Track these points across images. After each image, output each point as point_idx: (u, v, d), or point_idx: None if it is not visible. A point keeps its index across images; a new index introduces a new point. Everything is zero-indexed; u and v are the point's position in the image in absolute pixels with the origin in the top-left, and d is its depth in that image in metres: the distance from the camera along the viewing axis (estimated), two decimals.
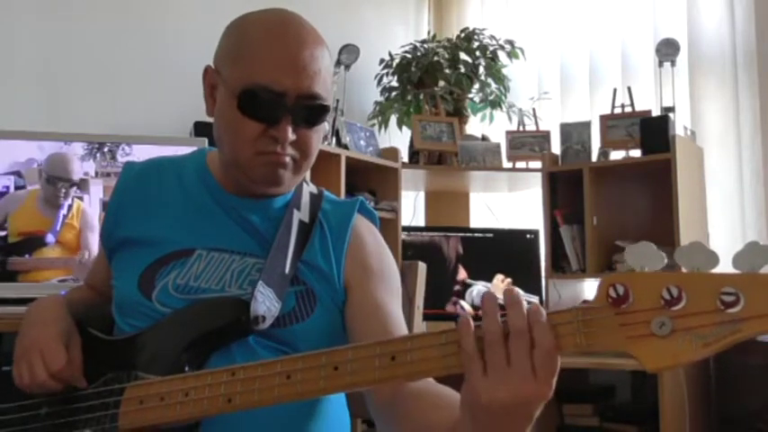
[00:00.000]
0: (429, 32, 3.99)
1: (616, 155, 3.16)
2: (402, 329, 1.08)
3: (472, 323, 0.78)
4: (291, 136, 1.06)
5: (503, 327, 0.76)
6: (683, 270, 0.72)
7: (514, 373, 0.74)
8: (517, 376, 0.74)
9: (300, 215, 1.15)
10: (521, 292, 0.79)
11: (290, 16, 1.10)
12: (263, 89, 1.04)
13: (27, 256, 2.12)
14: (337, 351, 0.86)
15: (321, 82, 1.07)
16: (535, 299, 3.29)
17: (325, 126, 1.13)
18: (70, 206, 2.16)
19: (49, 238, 2.14)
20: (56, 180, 2.14)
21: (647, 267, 0.73)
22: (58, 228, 2.14)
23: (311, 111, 1.07)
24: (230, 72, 1.08)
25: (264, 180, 1.10)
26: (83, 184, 2.18)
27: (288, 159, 1.08)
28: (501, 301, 0.78)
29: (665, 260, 0.74)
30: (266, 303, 1.04)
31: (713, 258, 0.71)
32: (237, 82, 1.06)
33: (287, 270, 1.09)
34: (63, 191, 2.15)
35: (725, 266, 0.71)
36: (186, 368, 1.00)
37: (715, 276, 0.70)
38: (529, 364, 0.74)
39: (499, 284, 3.33)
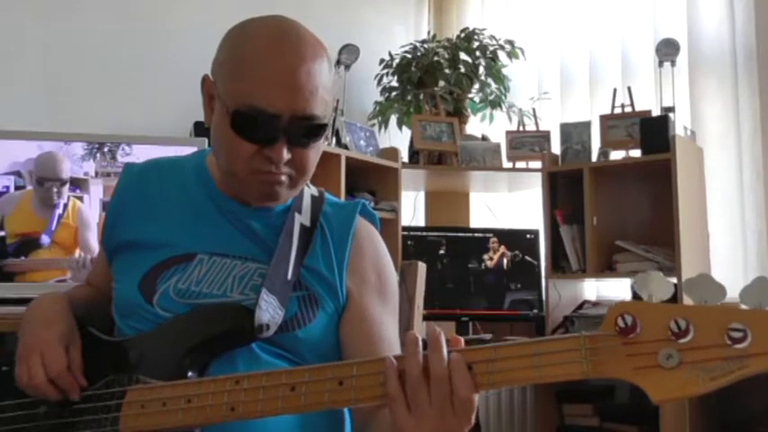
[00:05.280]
0: (429, 32, 3.98)
1: (616, 155, 3.16)
2: (389, 347, 1.09)
3: (395, 364, 0.82)
4: (286, 155, 1.04)
5: (423, 369, 0.80)
6: (690, 302, 0.72)
7: (435, 411, 0.80)
8: (438, 414, 0.80)
9: (302, 219, 1.15)
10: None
11: (289, 28, 1.06)
12: (257, 111, 1.01)
13: (23, 257, 2.12)
14: (343, 365, 0.86)
15: (318, 100, 1.03)
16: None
17: (324, 139, 1.11)
18: (65, 205, 2.15)
19: (44, 238, 2.13)
20: (45, 180, 2.13)
21: (655, 297, 0.74)
22: (53, 228, 2.13)
23: (307, 131, 1.05)
24: (225, 87, 1.05)
25: (260, 196, 1.09)
26: (82, 184, 2.17)
27: (283, 178, 1.07)
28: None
29: (674, 290, 0.74)
30: (270, 311, 1.04)
31: (721, 291, 0.71)
32: (232, 100, 1.03)
33: (289, 276, 1.08)
34: (55, 190, 2.13)
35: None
36: (189, 373, 0.99)
37: (723, 311, 0.71)
38: (449, 404, 0.80)
39: None
